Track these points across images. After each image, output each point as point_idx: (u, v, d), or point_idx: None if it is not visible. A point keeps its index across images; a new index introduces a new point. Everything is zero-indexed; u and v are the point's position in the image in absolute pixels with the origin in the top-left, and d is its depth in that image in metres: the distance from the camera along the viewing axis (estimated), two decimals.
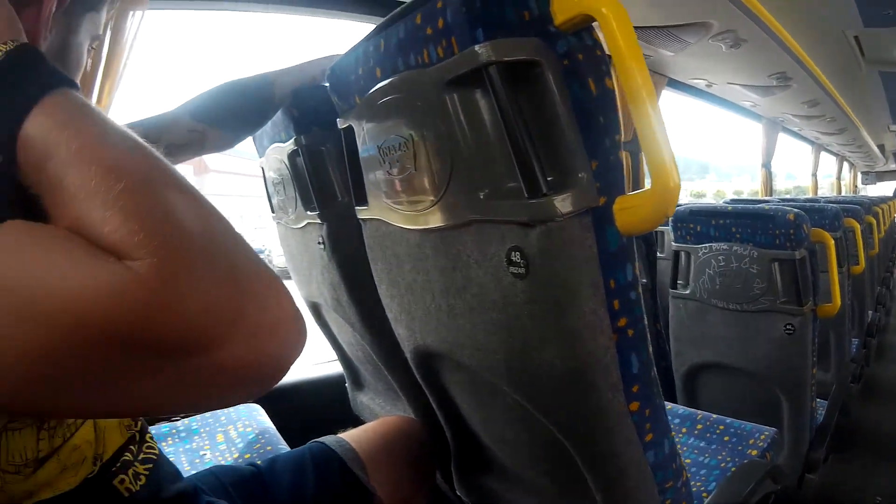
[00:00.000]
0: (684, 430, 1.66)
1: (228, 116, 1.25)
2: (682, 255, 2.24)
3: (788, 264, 1.97)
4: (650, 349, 0.87)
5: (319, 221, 1.40)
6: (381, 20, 0.93)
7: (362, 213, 1.18)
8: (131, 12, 1.89)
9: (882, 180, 16.13)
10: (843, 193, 12.45)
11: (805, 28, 3.64)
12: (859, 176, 15.34)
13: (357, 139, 1.10)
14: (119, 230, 0.44)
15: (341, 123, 1.13)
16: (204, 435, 1.68)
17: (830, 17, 3.55)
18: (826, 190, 15.02)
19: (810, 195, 9.71)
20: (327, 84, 1.18)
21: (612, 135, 0.77)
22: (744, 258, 2.04)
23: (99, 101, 1.89)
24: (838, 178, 12.83)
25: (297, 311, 0.50)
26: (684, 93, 4.72)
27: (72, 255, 0.44)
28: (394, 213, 1.04)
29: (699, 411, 1.72)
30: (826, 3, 3.28)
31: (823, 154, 10.35)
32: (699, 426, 1.66)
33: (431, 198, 0.90)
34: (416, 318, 1.13)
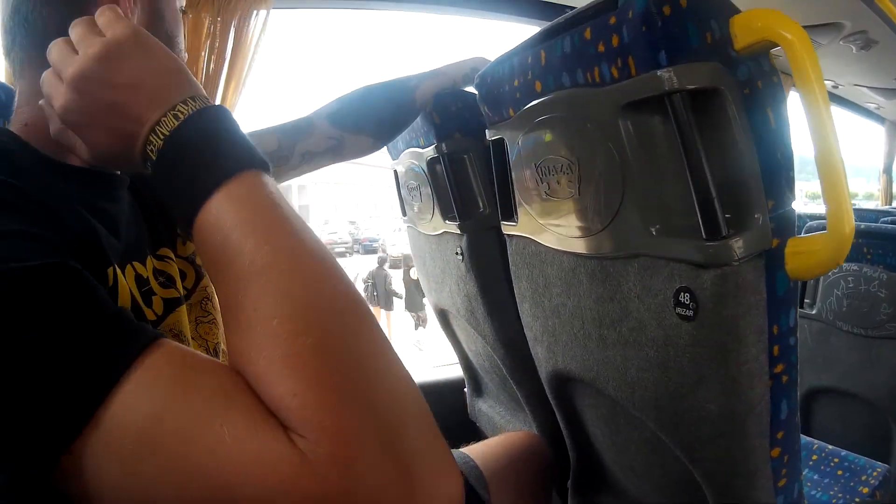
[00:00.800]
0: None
1: (367, 122, 1.23)
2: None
3: None
4: (798, 395, 0.81)
5: (459, 232, 1.37)
6: (534, 22, 0.89)
7: (509, 228, 1.14)
8: (255, 12, 1.91)
9: None
10: None
11: None
12: None
13: (509, 153, 1.06)
14: (296, 399, 0.41)
15: (491, 135, 1.10)
16: None
17: None
18: None
19: None
20: (472, 90, 1.16)
21: (787, 171, 0.72)
22: (873, 281, 1.90)
23: (224, 100, 1.93)
24: None
25: (462, 492, 0.46)
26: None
27: (233, 416, 0.41)
28: (547, 233, 1.00)
29: (815, 441, 1.63)
30: None
31: None
32: (814, 457, 1.58)
33: (597, 226, 0.85)
34: (559, 341, 1.09)
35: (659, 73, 0.68)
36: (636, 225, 0.79)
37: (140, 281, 0.68)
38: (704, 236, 0.69)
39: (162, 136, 0.55)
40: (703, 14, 0.68)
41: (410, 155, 1.49)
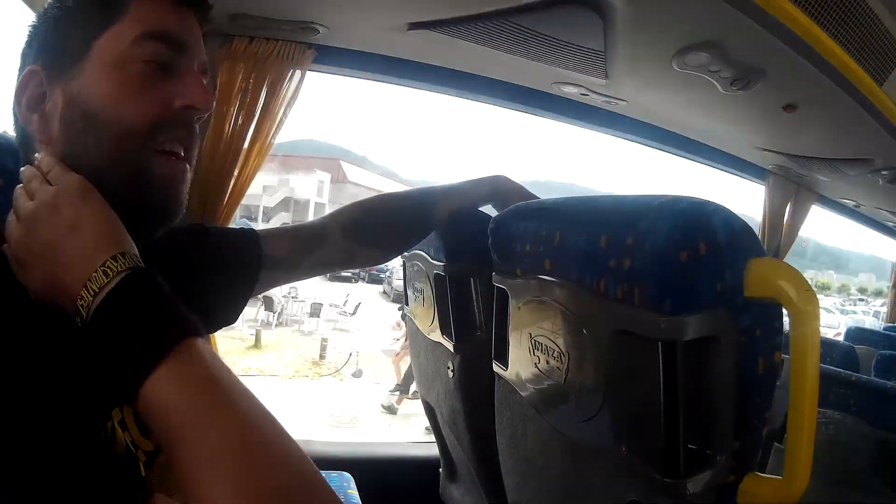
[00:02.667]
0: None
1: (380, 237, 1.26)
2: None
3: None
4: None
5: (452, 351, 1.41)
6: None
7: (499, 368, 1.18)
8: (291, 71, 1.95)
9: None
10: None
11: None
12: None
13: (510, 306, 1.10)
14: None
15: (497, 282, 1.14)
16: None
17: None
18: None
19: None
20: (490, 225, 1.18)
21: (763, 412, 0.74)
22: (854, 433, 1.94)
23: (246, 159, 1.95)
24: None
25: None
26: (830, 208, 4.53)
27: None
28: (531, 396, 1.04)
29: None
30: None
31: None
32: None
33: (575, 418, 0.90)
34: (529, 484, 1.13)
35: (659, 318, 0.71)
36: (607, 435, 0.83)
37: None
38: (664, 471, 0.73)
39: (92, 293, 0.61)
40: (720, 264, 0.69)
41: (419, 258, 1.53)
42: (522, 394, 1.08)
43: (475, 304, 1.39)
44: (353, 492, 1.79)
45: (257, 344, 13.71)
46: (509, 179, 1.33)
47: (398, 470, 2.38)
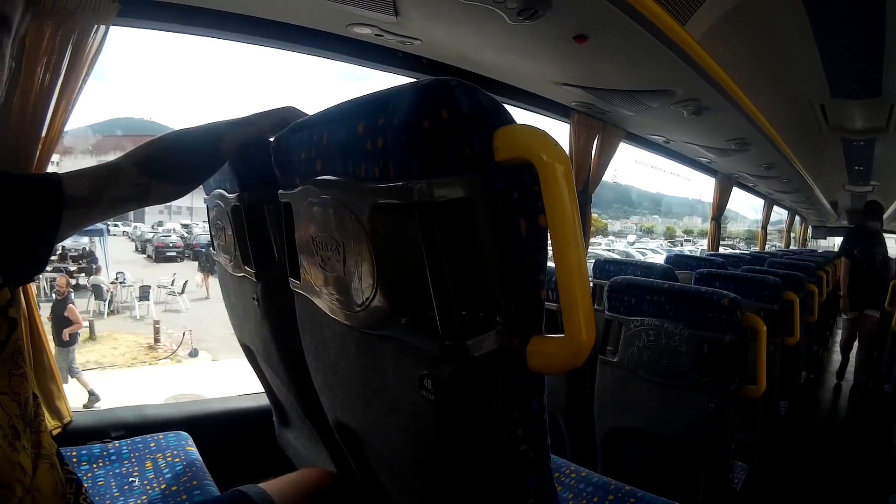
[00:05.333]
0: (596, 499, 1.67)
1: (174, 170, 1.24)
2: (614, 324, 2.31)
3: (717, 346, 2.04)
4: (549, 465, 0.88)
5: (255, 280, 1.40)
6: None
7: (295, 286, 1.18)
8: (95, 27, 1.87)
9: (833, 235, 16.61)
10: (792, 247, 12.79)
11: (769, 97, 3.77)
12: (810, 229, 15.71)
13: (294, 218, 1.10)
14: None
15: (282, 197, 1.14)
16: (134, 460, 1.70)
17: (799, 88, 3.70)
18: (777, 238, 15.36)
19: (759, 248, 10.04)
20: (272, 143, 1.19)
21: (535, 274, 0.77)
22: (673, 335, 2.11)
23: (54, 116, 1.87)
24: (788, 231, 13.12)
25: None
26: (641, 146, 4.82)
27: None
28: (322, 299, 1.05)
29: (613, 481, 1.72)
30: (796, 75, 3.43)
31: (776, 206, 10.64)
32: (611, 496, 1.67)
33: (357, 303, 0.92)
34: (337, 395, 1.14)
35: (410, 184, 0.73)
36: (388, 312, 0.85)
37: None
38: (441, 334, 0.75)
39: None
40: (465, 128, 0.72)
41: (219, 196, 1.51)
42: (315, 301, 1.09)
43: (270, 230, 1.39)
44: (193, 449, 1.77)
45: (92, 336, 13.17)
46: (297, 109, 1.33)
47: (234, 423, 2.37)
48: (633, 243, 45.08)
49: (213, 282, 19.41)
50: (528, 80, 3.11)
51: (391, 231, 0.82)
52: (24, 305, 1.90)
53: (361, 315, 0.92)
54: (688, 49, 2.48)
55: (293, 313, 1.26)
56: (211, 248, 1.78)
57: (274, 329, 1.43)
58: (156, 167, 1.20)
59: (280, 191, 1.15)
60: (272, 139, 1.20)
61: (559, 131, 3.77)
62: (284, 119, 1.29)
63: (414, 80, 0.79)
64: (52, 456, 0.88)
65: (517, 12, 1.98)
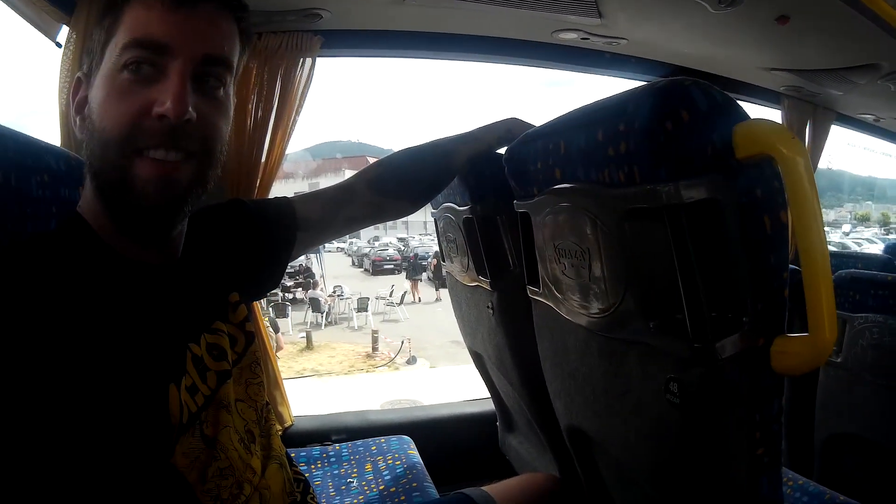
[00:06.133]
0: None
1: (406, 189, 1.30)
2: (839, 322, 2.10)
3: None
4: (781, 470, 0.86)
5: (490, 289, 1.45)
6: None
7: (534, 293, 1.21)
8: (301, 59, 1.99)
9: None
10: None
11: None
12: None
13: (533, 226, 1.13)
14: None
15: (518, 207, 1.17)
16: (353, 462, 1.78)
17: None
18: None
19: None
20: (504, 156, 1.21)
21: (780, 273, 0.76)
22: None
23: (272, 146, 2.01)
24: None
25: None
26: (852, 127, 4.43)
27: None
28: (564, 306, 1.07)
29: (828, 491, 1.63)
30: None
31: None
32: None
33: (603, 308, 0.93)
34: (574, 401, 1.16)
35: (658, 187, 0.74)
36: (636, 316, 0.86)
37: (196, 360, 0.80)
38: (691, 337, 0.76)
39: None
40: (706, 128, 0.72)
41: (448, 209, 1.57)
42: (556, 308, 1.11)
43: (505, 241, 1.42)
44: (414, 452, 1.82)
45: (309, 345, 13.94)
46: (521, 120, 1.37)
47: (456, 428, 2.41)
48: (848, 233, 41.03)
49: (422, 287, 20.18)
50: (736, 68, 2.96)
51: (639, 235, 0.83)
52: (257, 319, 2.04)
53: (607, 320, 0.93)
54: (889, 19, 2.25)
55: (529, 321, 1.29)
56: (441, 260, 1.86)
57: (509, 336, 1.46)
58: (388, 187, 1.26)
59: (516, 201, 1.19)
60: (501, 151, 1.23)
61: (771, 118, 3.55)
62: (509, 131, 1.33)
63: (625, 81, 0.80)
64: (281, 457, 0.96)
65: (718, 0, 1.91)
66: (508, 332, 1.46)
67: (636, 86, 0.83)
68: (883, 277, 2.05)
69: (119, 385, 0.67)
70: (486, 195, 1.41)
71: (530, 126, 1.31)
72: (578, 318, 1.03)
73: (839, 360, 2.08)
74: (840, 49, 2.66)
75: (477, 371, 1.97)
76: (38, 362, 0.61)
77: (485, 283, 1.47)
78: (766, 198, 0.73)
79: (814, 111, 3.63)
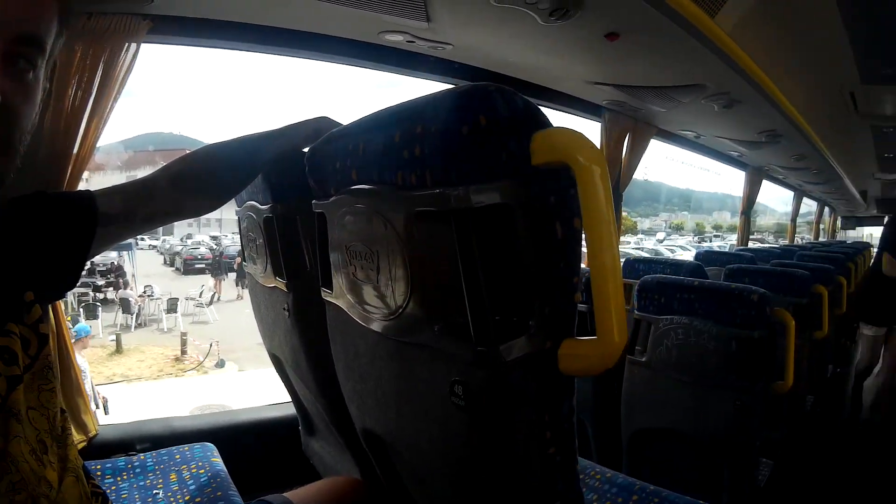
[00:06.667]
0: (620, 499, 1.65)
1: (208, 186, 1.25)
2: (643, 323, 2.30)
3: (746, 343, 2.02)
4: (576, 467, 0.88)
5: (286, 290, 1.42)
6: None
7: (327, 295, 1.19)
8: (126, 45, 1.89)
9: (862, 225, 16.47)
10: (821, 238, 12.69)
11: (800, 87, 3.72)
12: (839, 220, 15.54)
13: (328, 228, 1.11)
14: None
15: (316, 207, 1.15)
16: (158, 473, 1.70)
17: (828, 75, 3.63)
18: (806, 230, 15.26)
19: (788, 241, 9.96)
20: (306, 154, 1.19)
21: (570, 278, 0.77)
22: (702, 333, 2.10)
23: (85, 135, 1.89)
24: (818, 223, 13.01)
25: None
26: (671, 142, 4.78)
27: None
28: (355, 309, 1.06)
29: (637, 481, 1.70)
30: (826, 61, 3.36)
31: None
32: (635, 497, 1.65)
33: (391, 311, 0.93)
34: (367, 404, 1.15)
35: (447, 191, 0.74)
36: (421, 319, 0.86)
37: None
38: (475, 340, 0.76)
39: None
40: (503, 133, 0.73)
41: (251, 208, 1.52)
42: (347, 310, 1.10)
43: (303, 242, 1.40)
44: (218, 460, 1.76)
45: (119, 349, 13.33)
46: (331, 119, 1.34)
47: (259, 433, 2.37)
48: (662, 241, 44.44)
49: (226, 286, 19.68)
50: (561, 80, 3.10)
51: (426, 238, 0.83)
52: (52, 321, 1.91)
53: (394, 323, 0.93)
54: (718, 42, 2.46)
55: (324, 323, 1.27)
56: (242, 260, 1.80)
57: (304, 339, 1.44)
58: (190, 183, 1.22)
59: (314, 201, 1.16)
60: (306, 150, 1.21)
61: (591, 131, 3.74)
62: (318, 130, 1.30)
63: (447, 85, 0.80)
64: (78, 469, 0.89)
65: (549, 13, 1.98)
66: (304, 335, 1.44)
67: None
68: (689, 282, 2.21)
69: None
70: (286, 194, 1.38)
71: (340, 125, 1.29)
72: (368, 321, 1.02)
73: (644, 359, 2.23)
74: (667, 68, 2.85)
75: (277, 374, 1.92)
76: None
77: (281, 285, 1.44)
78: (559, 205, 0.74)
79: (633, 125, 3.87)
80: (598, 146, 3.69)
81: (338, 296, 1.14)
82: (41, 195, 1.02)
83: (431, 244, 0.82)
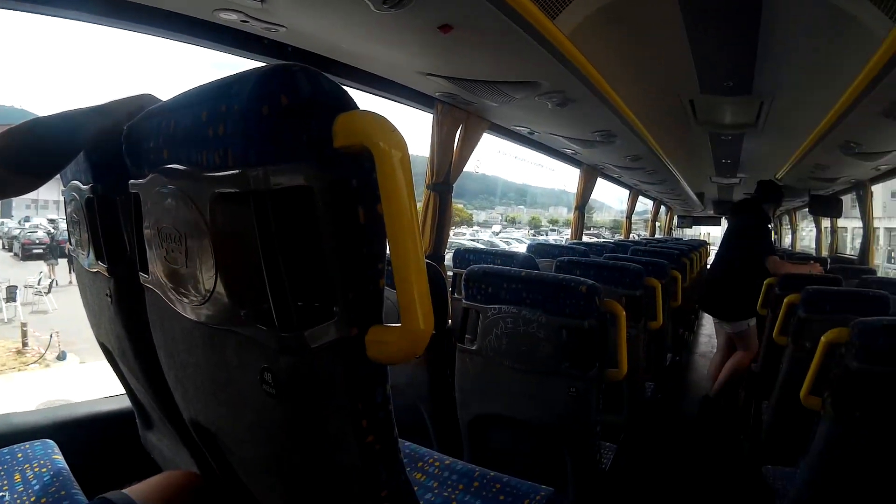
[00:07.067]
0: (461, 486, 1.68)
1: (31, 161, 1.18)
2: (472, 312, 2.34)
3: (576, 332, 2.10)
4: (399, 455, 0.89)
5: (108, 276, 1.35)
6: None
7: (145, 280, 1.14)
8: None
9: (698, 224, 17.42)
10: (657, 235, 13.42)
11: (638, 91, 3.87)
12: (675, 218, 16.32)
13: (143, 209, 1.07)
14: None
15: (132, 188, 1.10)
16: (2, 474, 1.61)
17: (669, 83, 3.80)
18: (642, 227, 16.12)
19: (623, 236, 10.48)
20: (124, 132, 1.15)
21: (375, 263, 0.77)
22: (532, 322, 2.16)
23: None
24: (653, 221, 13.62)
25: None
26: (505, 137, 4.88)
27: None
28: (169, 293, 1.02)
29: (477, 468, 1.74)
30: (667, 70, 3.52)
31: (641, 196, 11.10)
32: (476, 483, 1.68)
33: (200, 297, 0.90)
34: (189, 393, 1.12)
35: (247, 171, 0.73)
36: (228, 304, 0.84)
37: None
38: (278, 326, 0.75)
39: None
40: (305, 114, 0.72)
41: (75, 188, 1.44)
42: (163, 295, 1.06)
43: (123, 227, 1.34)
44: (59, 457, 1.68)
45: None
46: (155, 97, 1.28)
47: (100, 428, 2.29)
48: (498, 233, 45.55)
49: (59, 270, 18.66)
50: (394, 69, 3.09)
51: (229, 221, 0.81)
52: None
53: (204, 309, 0.90)
54: (556, 43, 2.52)
55: (143, 309, 1.22)
56: (68, 244, 1.70)
57: (128, 327, 1.38)
58: (12, 159, 1.14)
59: (131, 181, 1.11)
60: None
61: (424, 122, 3.79)
62: (141, 107, 1.25)
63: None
64: None
65: (382, 0, 1.98)
66: (127, 322, 1.37)
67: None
68: (517, 272, 2.26)
69: None
70: (107, 174, 1.31)
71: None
72: (181, 306, 0.98)
73: (474, 347, 2.27)
74: (501, 63, 2.88)
75: (108, 362, 1.83)
76: None
77: (103, 270, 1.36)
78: (361, 189, 0.74)
79: (466, 118, 3.90)
80: (430, 138, 3.75)
81: (154, 281, 1.09)
82: None
83: (235, 227, 0.80)
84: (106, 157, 1.29)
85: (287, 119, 0.72)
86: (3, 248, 26.45)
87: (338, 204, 0.74)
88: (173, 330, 1.08)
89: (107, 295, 1.38)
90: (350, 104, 0.76)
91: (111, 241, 1.34)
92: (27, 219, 28.23)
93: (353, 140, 0.72)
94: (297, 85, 0.72)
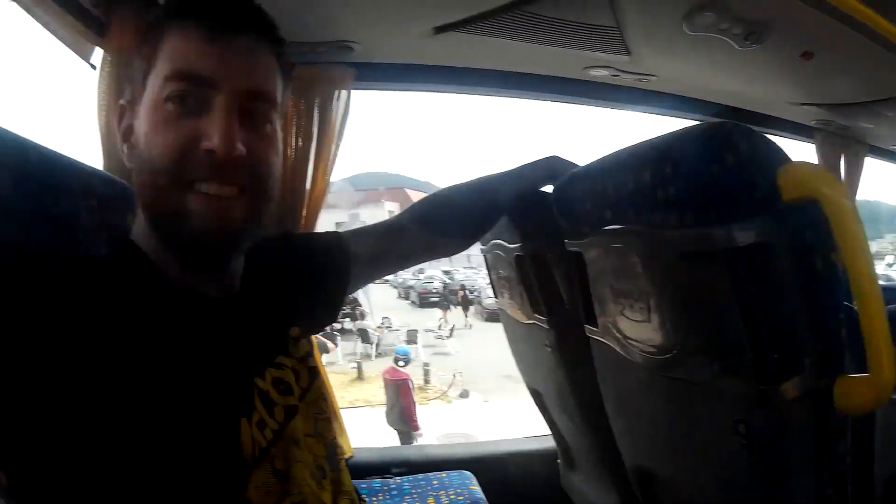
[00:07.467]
0: None
1: (454, 227, 1.29)
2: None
3: None
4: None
5: (547, 328, 1.44)
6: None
7: (593, 332, 1.20)
8: (336, 93, 2.01)
9: None
10: None
11: None
12: None
13: (587, 266, 1.13)
14: None
15: (569, 247, 1.17)
16: (416, 496, 1.76)
17: None
18: None
19: None
20: (552, 195, 1.23)
21: (836, 313, 0.76)
22: None
23: (314, 180, 2.02)
24: None
25: None
26: (885, 158, 4.30)
27: None
28: (625, 346, 1.06)
29: None
30: None
31: None
32: None
33: (664, 350, 0.92)
34: (640, 441, 1.15)
35: (711, 231, 0.75)
36: (699, 358, 0.86)
37: (262, 395, 0.80)
38: (757, 379, 0.75)
39: None
40: (750, 171, 0.74)
41: (497, 246, 1.57)
42: (618, 349, 1.10)
43: (558, 279, 1.41)
44: (477, 488, 1.80)
45: (360, 376, 14.08)
46: (562, 158, 1.35)
47: (517, 464, 2.37)
48: (892, 265, 39.32)
49: (451, 316, 20.10)
50: (766, 103, 2.91)
51: (695, 278, 0.83)
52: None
53: (669, 361, 0.92)
54: None
55: (588, 359, 1.28)
56: (495, 297, 1.85)
57: (569, 375, 1.44)
58: (436, 224, 1.26)
59: (566, 240, 1.18)
60: (547, 189, 1.24)
61: (801, 153, 3.48)
62: (551, 169, 1.32)
63: (656, 117, 0.81)
64: (352, 493, 0.96)
65: (744, 37, 1.90)
66: (568, 370, 1.44)
67: (677, 128, 0.84)
68: None
69: (192, 419, 0.67)
70: (534, 233, 1.40)
71: (572, 164, 1.30)
72: (640, 358, 1.02)
73: None
74: (867, 82, 2.61)
75: (536, 407, 1.94)
76: (110, 393, 0.62)
77: (541, 322, 1.46)
78: (815, 240, 0.74)
79: (846, 144, 3.56)
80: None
81: (605, 333, 1.14)
82: (289, 235, 1.13)
83: (701, 284, 0.82)
84: (530, 218, 1.39)
85: (735, 176, 0.74)
86: (399, 296, 29.95)
87: (797, 257, 0.74)
88: (627, 381, 1.12)
89: (546, 345, 1.47)
90: (784, 156, 0.76)
91: (548, 296, 1.42)
92: (421, 270, 31.63)
93: (802, 192, 0.72)
94: (736, 142, 0.74)
